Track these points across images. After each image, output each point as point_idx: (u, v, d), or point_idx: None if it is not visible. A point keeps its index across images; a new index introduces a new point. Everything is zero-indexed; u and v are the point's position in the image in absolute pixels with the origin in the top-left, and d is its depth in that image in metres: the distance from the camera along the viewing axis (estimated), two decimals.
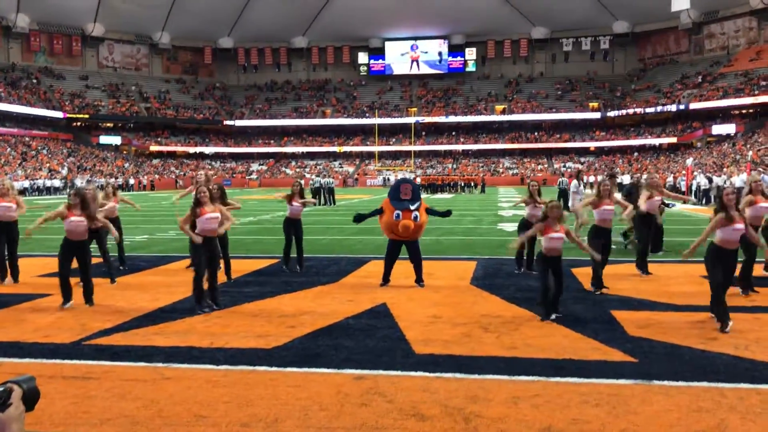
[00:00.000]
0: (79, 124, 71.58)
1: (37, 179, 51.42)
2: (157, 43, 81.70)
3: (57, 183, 51.66)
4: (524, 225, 9.68)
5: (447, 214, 9.51)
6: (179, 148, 76.54)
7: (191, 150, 77.32)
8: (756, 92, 59.79)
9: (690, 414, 4.32)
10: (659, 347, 5.89)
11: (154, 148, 74.36)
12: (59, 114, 68.39)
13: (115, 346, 6.11)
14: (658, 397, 4.64)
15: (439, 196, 43.37)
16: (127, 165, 67.49)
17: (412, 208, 8.84)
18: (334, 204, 30.84)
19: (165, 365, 5.47)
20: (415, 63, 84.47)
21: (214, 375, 5.22)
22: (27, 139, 62.34)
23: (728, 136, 60.00)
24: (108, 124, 74.29)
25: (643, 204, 9.54)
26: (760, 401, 4.54)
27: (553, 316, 6.93)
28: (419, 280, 9.10)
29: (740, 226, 6.61)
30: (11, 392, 1.59)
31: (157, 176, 66.70)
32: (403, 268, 9.59)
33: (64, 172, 56.98)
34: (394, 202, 8.95)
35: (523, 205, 10.11)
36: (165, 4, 74.95)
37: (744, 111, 62.65)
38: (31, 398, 1.64)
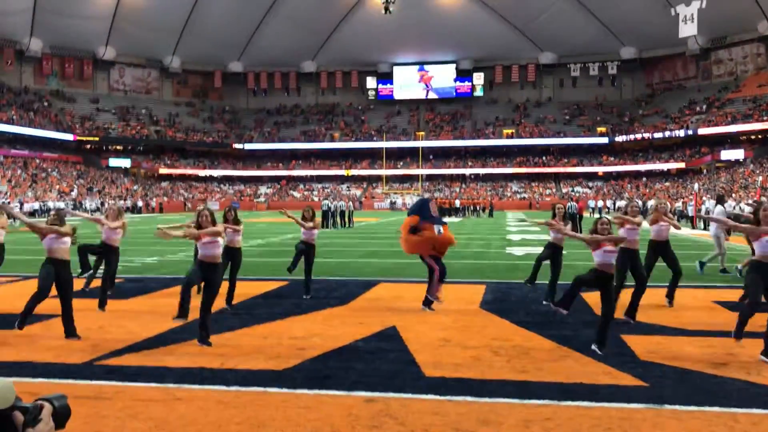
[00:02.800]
0: (89, 146, 72.13)
1: (46, 201, 51.76)
2: (168, 67, 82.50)
3: (63, 204, 51.91)
4: (551, 247, 9.74)
5: None
6: (188, 171, 76.97)
7: (200, 173, 77.74)
8: (765, 118, 59.79)
9: None
10: (670, 372, 5.87)
11: (163, 170, 74.77)
12: (69, 136, 68.94)
13: (126, 366, 6.13)
14: (669, 421, 4.62)
15: (446, 219, 43.42)
16: (136, 187, 67.87)
17: (444, 222, 9.10)
18: (352, 226, 31.05)
19: (176, 386, 5.49)
20: (424, 87, 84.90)
21: (226, 396, 5.23)
22: (37, 161, 62.86)
23: (737, 161, 59.92)
24: (118, 147, 74.83)
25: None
26: None
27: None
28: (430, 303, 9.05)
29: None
30: (42, 408, 1.63)
31: (165, 198, 67.01)
32: (412, 291, 9.58)
33: (74, 194, 57.36)
34: (429, 218, 8.95)
35: (547, 227, 9.92)
36: (176, 29, 75.81)
37: (753, 136, 62.63)
38: (62, 416, 1.68)
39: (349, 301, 9.78)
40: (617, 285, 8.39)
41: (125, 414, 4.81)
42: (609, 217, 7.14)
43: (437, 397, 5.17)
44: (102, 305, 8.91)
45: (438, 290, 9.01)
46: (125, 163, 72.47)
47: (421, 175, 74.26)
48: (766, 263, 6.51)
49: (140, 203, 61.30)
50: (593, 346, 6.58)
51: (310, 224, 10.05)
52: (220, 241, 7.36)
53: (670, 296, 9.23)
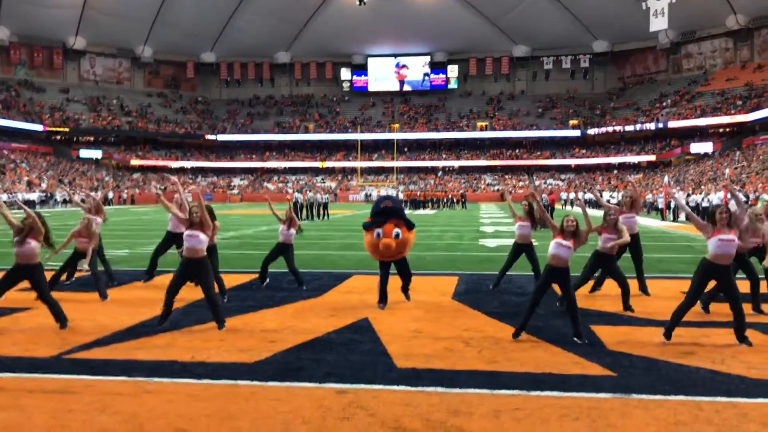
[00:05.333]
0: (59, 137, 70.97)
1: (15, 193, 50.83)
2: (139, 56, 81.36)
3: (34, 196, 51.05)
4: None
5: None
6: (160, 162, 76.09)
7: (172, 164, 76.90)
8: (732, 111, 60.77)
9: (668, 427, 4.39)
10: (638, 362, 5.96)
11: (134, 162, 73.85)
12: (39, 127, 67.75)
13: (95, 360, 6.07)
14: (636, 410, 4.70)
15: (421, 211, 43.52)
16: (107, 179, 66.97)
17: (391, 219, 8.49)
18: (328, 218, 30.88)
19: (146, 379, 5.45)
20: (398, 81, 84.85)
21: (196, 389, 5.20)
22: (5, 152, 61.71)
23: (706, 154, 60.85)
24: (88, 138, 73.74)
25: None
26: (736, 414, 4.61)
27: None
28: (406, 293, 9.00)
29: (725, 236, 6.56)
30: None
31: (137, 190, 66.26)
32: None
33: (44, 185, 56.44)
34: (374, 218, 8.59)
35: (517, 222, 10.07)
36: (147, 18, 74.74)
37: (721, 130, 63.62)
38: None
39: (322, 294, 9.77)
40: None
41: (94, 408, 4.77)
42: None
43: (408, 388, 5.19)
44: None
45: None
46: (96, 154, 71.45)
47: (396, 167, 74.33)
48: (716, 264, 6.54)
49: (111, 195, 60.51)
50: (575, 339, 6.72)
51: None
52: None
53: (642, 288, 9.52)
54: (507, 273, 10.14)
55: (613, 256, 8.52)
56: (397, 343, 6.67)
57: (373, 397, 4.99)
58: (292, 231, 10.22)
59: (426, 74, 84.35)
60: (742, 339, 6.53)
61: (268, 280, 10.44)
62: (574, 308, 6.79)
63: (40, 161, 64.14)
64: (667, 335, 6.63)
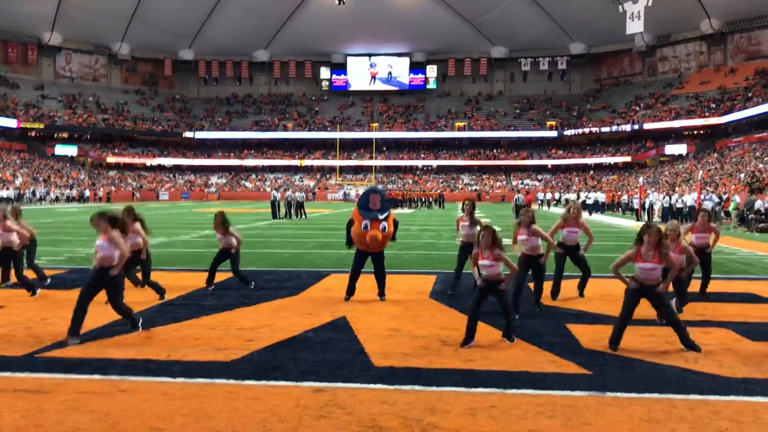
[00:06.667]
0: (33, 134, 70.02)
1: None
2: (116, 53, 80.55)
3: (7, 193, 50.25)
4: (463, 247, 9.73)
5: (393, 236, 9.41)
6: (137, 160, 75.41)
7: (149, 162, 76.24)
8: (706, 114, 61.65)
9: (642, 424, 4.43)
10: (613, 360, 6.02)
11: (111, 159, 73.09)
12: (13, 123, 66.76)
13: (69, 358, 5.99)
14: (611, 408, 4.74)
15: (399, 210, 43.56)
16: (82, 176, 66.19)
17: (380, 218, 8.75)
18: (306, 217, 30.66)
19: (121, 378, 5.39)
20: (376, 79, 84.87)
21: (171, 387, 5.15)
22: None
23: (680, 156, 61.66)
24: (63, 135, 72.81)
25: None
26: (708, 412, 4.67)
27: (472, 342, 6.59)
28: (381, 294, 9.12)
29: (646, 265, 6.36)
30: None
31: (113, 188, 65.54)
32: (363, 281, 9.59)
33: (18, 182, 55.62)
34: (363, 211, 8.86)
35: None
36: (125, 15, 73.99)
37: (695, 132, 64.52)
38: None
39: (300, 292, 9.74)
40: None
41: (66, 407, 4.70)
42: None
43: (385, 386, 5.19)
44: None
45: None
46: (71, 151, 70.63)
47: (375, 166, 74.35)
48: (642, 285, 6.40)
49: (87, 192, 59.80)
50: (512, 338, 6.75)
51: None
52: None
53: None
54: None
55: (537, 256, 8.30)
56: (374, 341, 6.66)
57: (350, 395, 4.98)
58: (232, 239, 9.93)
59: (405, 74, 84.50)
60: (689, 346, 6.37)
61: (251, 282, 10.19)
62: (507, 310, 6.79)
63: (13, 158, 63.22)
64: (613, 347, 6.43)
